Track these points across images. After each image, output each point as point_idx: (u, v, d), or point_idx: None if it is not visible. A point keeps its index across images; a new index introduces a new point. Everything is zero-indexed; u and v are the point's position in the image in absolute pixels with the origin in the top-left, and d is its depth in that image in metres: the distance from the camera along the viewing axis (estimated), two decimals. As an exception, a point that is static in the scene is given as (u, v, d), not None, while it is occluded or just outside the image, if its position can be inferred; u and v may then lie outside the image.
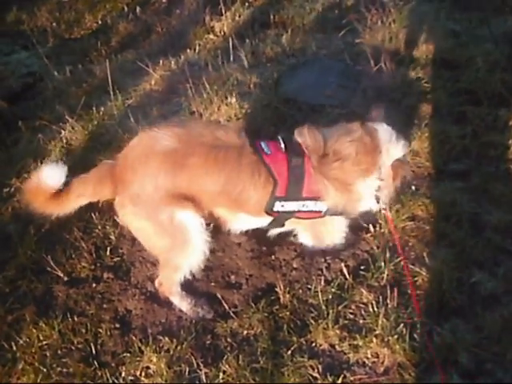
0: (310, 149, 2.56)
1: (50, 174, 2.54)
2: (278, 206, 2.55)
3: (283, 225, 2.73)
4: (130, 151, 2.58)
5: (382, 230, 2.92)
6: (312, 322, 2.52)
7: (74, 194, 2.58)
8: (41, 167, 2.67)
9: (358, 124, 2.63)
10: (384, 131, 2.62)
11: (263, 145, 2.57)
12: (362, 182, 2.59)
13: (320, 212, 2.60)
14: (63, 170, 2.55)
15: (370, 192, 2.63)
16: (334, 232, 2.80)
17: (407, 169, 2.75)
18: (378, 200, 2.66)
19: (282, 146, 2.57)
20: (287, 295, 2.65)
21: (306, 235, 2.82)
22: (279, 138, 2.63)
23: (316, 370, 2.31)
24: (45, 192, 2.54)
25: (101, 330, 2.61)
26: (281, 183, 2.50)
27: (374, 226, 2.93)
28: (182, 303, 2.71)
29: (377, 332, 2.39)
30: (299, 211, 2.58)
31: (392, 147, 2.61)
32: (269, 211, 2.57)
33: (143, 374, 2.41)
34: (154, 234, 2.56)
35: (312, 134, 2.59)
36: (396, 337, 2.35)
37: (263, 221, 2.69)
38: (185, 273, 2.63)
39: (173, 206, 2.48)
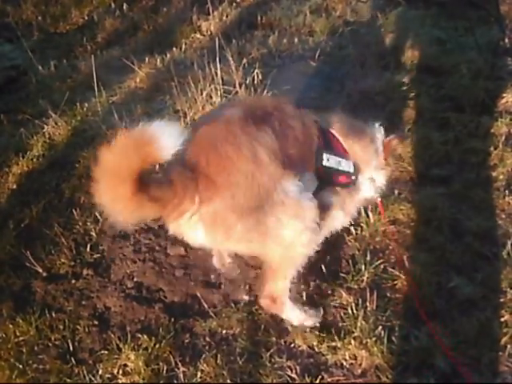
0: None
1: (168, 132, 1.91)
2: (325, 160, 2.44)
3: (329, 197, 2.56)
4: (209, 131, 2.18)
5: (364, 233, 2.94)
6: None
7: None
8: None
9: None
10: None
11: None
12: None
13: (351, 176, 2.56)
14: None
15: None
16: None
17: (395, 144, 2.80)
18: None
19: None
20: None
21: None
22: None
23: (294, 371, 2.31)
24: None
25: (79, 327, 2.58)
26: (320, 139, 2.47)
27: (356, 229, 2.94)
28: (295, 315, 2.49)
29: (355, 334, 2.40)
30: (338, 171, 2.50)
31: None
32: (318, 164, 2.42)
33: (121, 371, 2.38)
34: (274, 228, 2.19)
35: None
36: (374, 339, 2.36)
37: (314, 185, 2.48)
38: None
39: (289, 176, 2.19)
